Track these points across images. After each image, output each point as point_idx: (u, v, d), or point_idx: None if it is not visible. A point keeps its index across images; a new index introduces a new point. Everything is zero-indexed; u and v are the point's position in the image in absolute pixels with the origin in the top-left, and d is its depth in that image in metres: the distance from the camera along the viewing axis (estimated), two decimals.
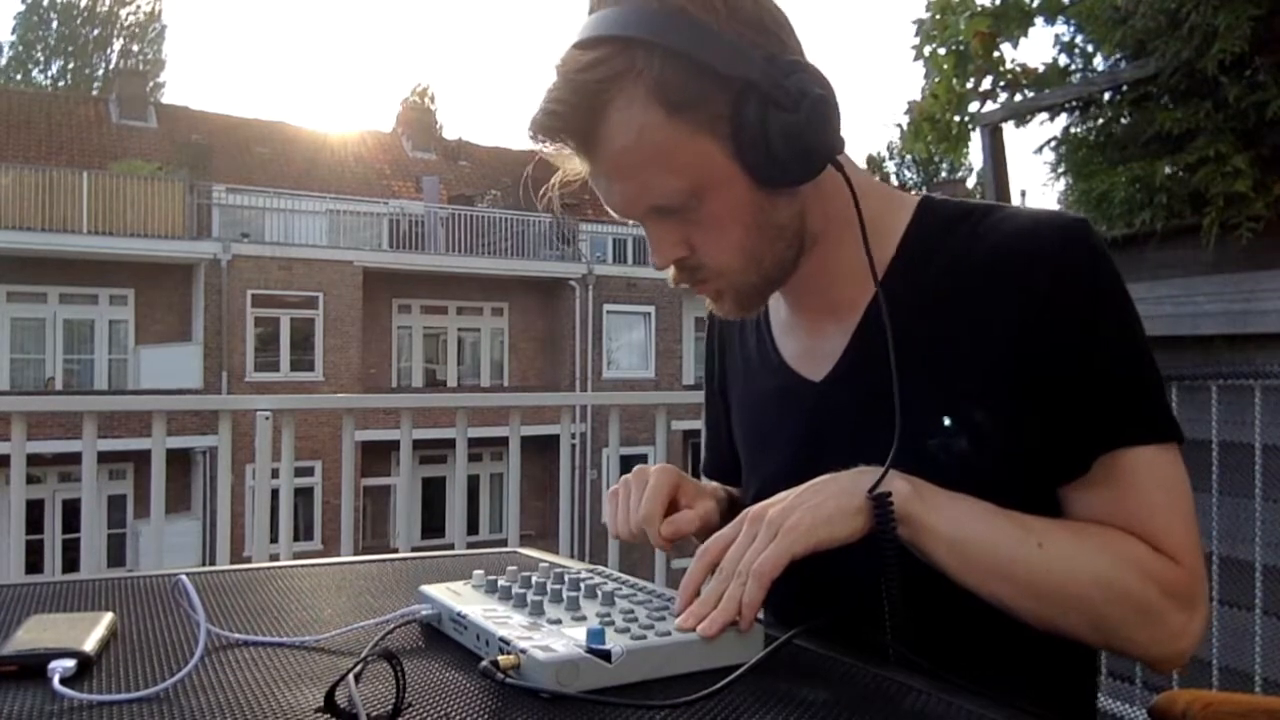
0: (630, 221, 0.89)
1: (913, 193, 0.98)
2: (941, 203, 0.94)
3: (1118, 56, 3.44)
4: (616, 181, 0.85)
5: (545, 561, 1.19)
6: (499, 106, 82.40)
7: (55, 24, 35.93)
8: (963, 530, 0.79)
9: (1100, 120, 3.43)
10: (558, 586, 0.84)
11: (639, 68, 0.79)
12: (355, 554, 2.84)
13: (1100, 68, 3.79)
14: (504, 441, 3.41)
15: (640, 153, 0.81)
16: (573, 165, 0.87)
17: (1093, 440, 0.82)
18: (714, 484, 1.10)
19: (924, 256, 0.91)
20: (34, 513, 14.58)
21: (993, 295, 0.85)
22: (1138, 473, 0.82)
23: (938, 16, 4.19)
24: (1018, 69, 4.09)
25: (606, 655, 0.68)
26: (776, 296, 0.98)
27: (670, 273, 0.90)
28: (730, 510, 1.02)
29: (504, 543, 2.02)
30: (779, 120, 0.80)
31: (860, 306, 0.92)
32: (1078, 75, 3.89)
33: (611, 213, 0.89)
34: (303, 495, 15.91)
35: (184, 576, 0.84)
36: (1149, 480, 0.82)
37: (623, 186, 0.85)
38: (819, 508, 0.77)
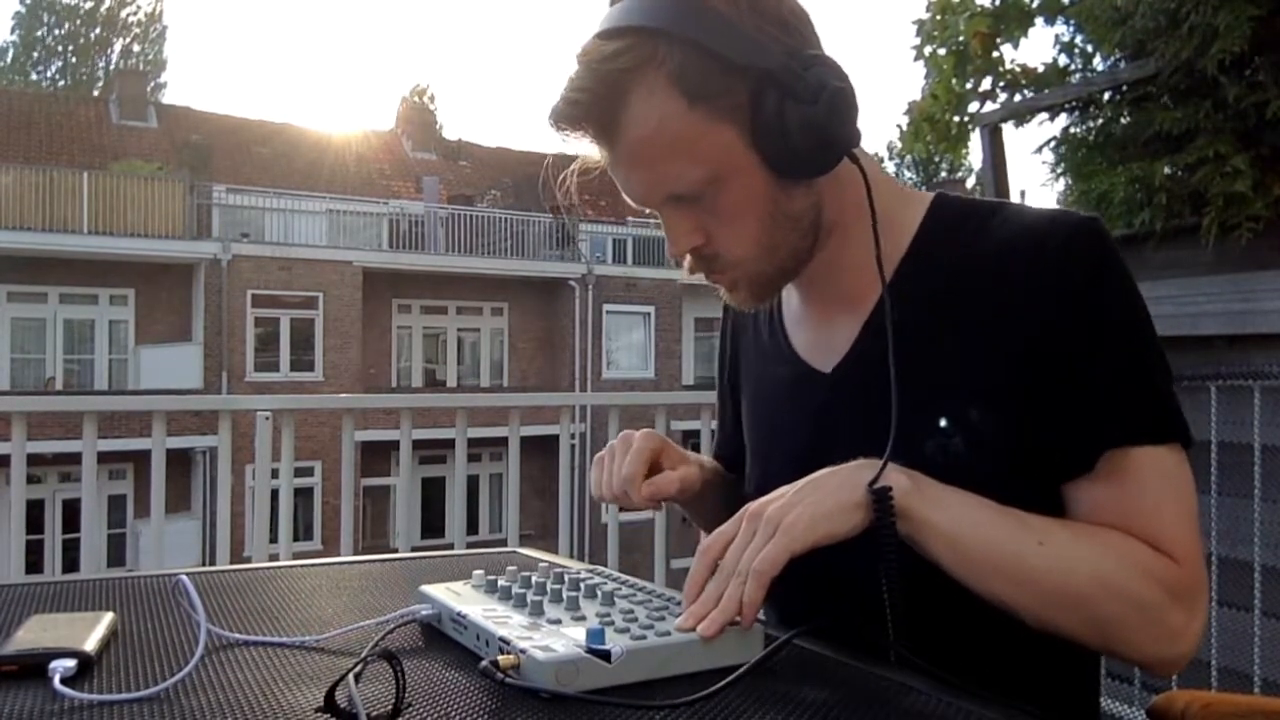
0: (646, 211, 0.90)
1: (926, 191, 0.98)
2: (955, 200, 0.95)
3: (1118, 56, 3.44)
4: (636, 170, 0.86)
5: (545, 561, 1.19)
6: (499, 106, 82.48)
7: (55, 25, 35.91)
8: (962, 526, 0.79)
9: (1100, 120, 3.44)
10: (557, 586, 0.84)
11: (660, 57, 0.80)
12: (355, 554, 2.84)
13: (1100, 68, 3.79)
14: (504, 441, 3.41)
15: (660, 141, 0.82)
16: (592, 154, 0.88)
17: (1098, 437, 0.82)
18: (703, 456, 1.11)
19: (935, 253, 0.91)
20: (34, 513, 14.59)
21: (1002, 292, 0.86)
22: (1142, 471, 0.82)
23: (938, 17, 4.19)
24: (1017, 69, 4.09)
25: (606, 655, 0.68)
26: (789, 288, 0.99)
27: (686, 262, 0.91)
28: (717, 484, 1.04)
29: (504, 543, 2.02)
30: (797, 112, 0.81)
31: (871, 299, 0.93)
32: (1077, 75, 3.89)
33: (629, 201, 0.90)
34: (303, 495, 15.91)
35: (184, 576, 0.84)
36: (1152, 479, 0.82)
37: (641, 175, 0.86)
38: (818, 504, 0.77)
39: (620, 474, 0.94)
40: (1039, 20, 4.04)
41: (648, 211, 0.90)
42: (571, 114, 0.83)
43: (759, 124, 0.82)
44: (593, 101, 0.82)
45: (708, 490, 1.02)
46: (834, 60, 0.83)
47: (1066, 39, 4.02)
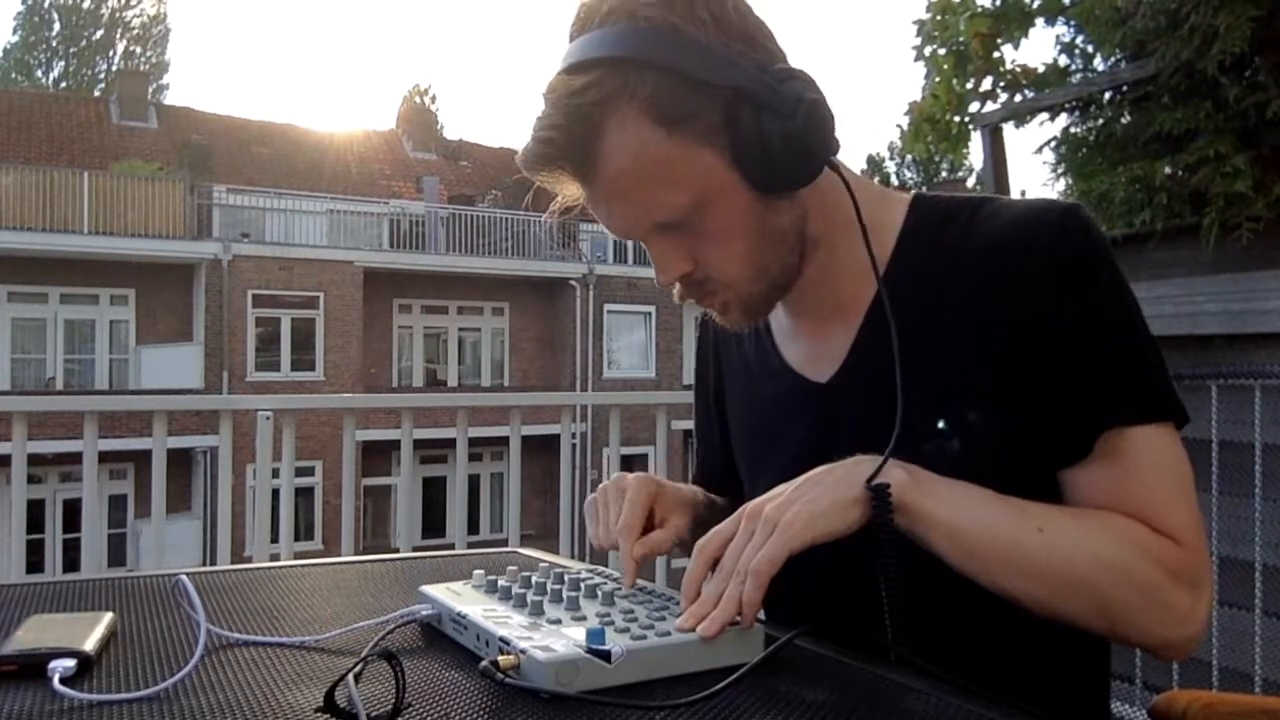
0: (631, 241, 0.89)
1: (906, 191, 0.98)
2: (934, 199, 0.95)
3: (1118, 57, 3.44)
4: (617, 203, 0.85)
5: (545, 561, 1.19)
6: (500, 106, 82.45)
7: (57, 26, 35.92)
8: (961, 517, 0.79)
9: (1100, 120, 3.44)
10: (558, 586, 0.84)
11: (631, 87, 0.79)
12: (356, 554, 2.84)
13: (1100, 68, 3.79)
14: (504, 441, 3.41)
15: (640, 171, 0.81)
16: (570, 190, 0.87)
17: (1095, 420, 0.82)
18: (694, 490, 1.09)
19: (922, 252, 0.91)
20: (35, 512, 14.59)
21: (992, 286, 0.86)
22: (1138, 452, 0.82)
23: (938, 17, 4.20)
24: (1018, 69, 4.09)
25: (606, 655, 0.68)
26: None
27: (676, 289, 0.90)
28: (711, 520, 1.02)
29: (504, 543, 2.02)
30: (777, 126, 0.80)
31: (862, 306, 0.92)
32: (1078, 75, 3.89)
33: (612, 234, 0.89)
34: (303, 495, 15.90)
35: (184, 576, 0.84)
36: (1149, 460, 0.82)
37: (624, 207, 0.85)
38: (816, 501, 0.77)
39: (616, 524, 0.92)
40: (1039, 21, 4.04)
41: (632, 241, 0.89)
42: (545, 153, 0.82)
43: (738, 142, 0.81)
44: (566, 139, 0.80)
45: (701, 532, 1.00)
46: (804, 72, 0.83)
47: (1067, 39, 4.02)
